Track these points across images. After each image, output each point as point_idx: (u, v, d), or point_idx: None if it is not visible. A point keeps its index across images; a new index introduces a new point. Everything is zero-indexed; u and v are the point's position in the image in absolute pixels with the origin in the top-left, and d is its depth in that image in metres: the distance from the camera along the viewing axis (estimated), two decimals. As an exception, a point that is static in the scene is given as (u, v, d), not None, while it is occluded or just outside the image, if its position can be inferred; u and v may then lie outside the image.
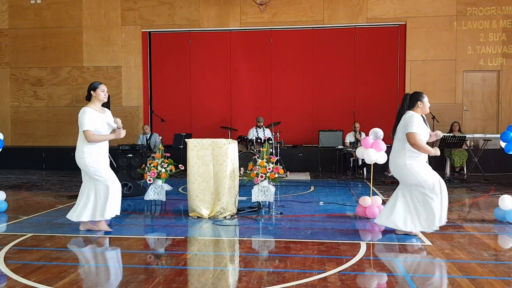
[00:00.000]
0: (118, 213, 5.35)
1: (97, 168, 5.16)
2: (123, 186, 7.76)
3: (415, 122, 4.85)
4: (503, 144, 5.97)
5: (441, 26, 11.85)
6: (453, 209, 6.78)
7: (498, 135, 6.77)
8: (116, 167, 9.52)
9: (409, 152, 4.90)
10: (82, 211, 5.24)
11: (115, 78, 12.87)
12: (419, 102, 5.02)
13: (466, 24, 11.79)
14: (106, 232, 5.26)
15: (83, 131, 5.16)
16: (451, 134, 9.62)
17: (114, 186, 5.24)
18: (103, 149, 5.30)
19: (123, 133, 5.40)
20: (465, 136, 9.48)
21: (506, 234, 5.32)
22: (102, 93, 5.33)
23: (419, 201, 4.91)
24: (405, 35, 12.02)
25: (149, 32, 12.90)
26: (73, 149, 5.47)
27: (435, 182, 4.88)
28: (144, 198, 6.46)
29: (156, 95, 13.05)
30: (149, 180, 6.39)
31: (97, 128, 5.19)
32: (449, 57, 11.88)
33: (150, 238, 5.23)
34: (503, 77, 11.77)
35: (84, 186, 5.33)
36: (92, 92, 5.34)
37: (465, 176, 10.04)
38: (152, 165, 6.39)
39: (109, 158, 5.56)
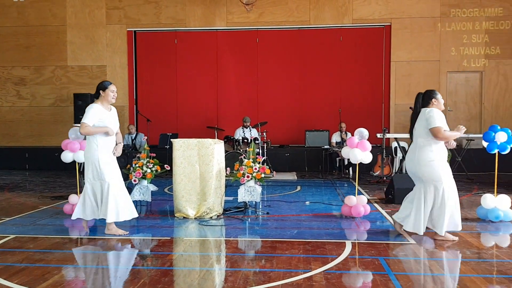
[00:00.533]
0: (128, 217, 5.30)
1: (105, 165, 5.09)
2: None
3: (437, 117, 4.81)
4: (485, 144, 6.05)
5: (425, 27, 11.99)
6: (437, 208, 6.87)
7: (481, 135, 6.88)
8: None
9: (436, 149, 4.85)
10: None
11: (100, 78, 12.73)
12: (433, 100, 4.99)
13: (450, 26, 11.95)
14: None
15: (81, 122, 5.04)
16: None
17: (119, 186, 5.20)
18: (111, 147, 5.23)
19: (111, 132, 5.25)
20: (448, 136, 9.59)
21: (488, 232, 5.41)
22: (111, 93, 5.17)
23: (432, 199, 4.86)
24: (390, 36, 12.14)
25: (135, 31, 12.81)
26: (57, 149, 5.40)
27: (446, 188, 4.81)
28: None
29: (142, 94, 12.97)
30: (134, 181, 6.36)
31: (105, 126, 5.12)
32: (433, 58, 12.02)
33: (135, 239, 5.20)
34: (486, 78, 11.95)
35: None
36: (101, 91, 5.17)
37: (449, 175, 10.17)
38: (137, 165, 6.36)
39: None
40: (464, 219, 5.99)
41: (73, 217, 5.25)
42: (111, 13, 12.71)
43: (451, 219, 4.83)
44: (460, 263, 4.13)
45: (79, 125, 5.17)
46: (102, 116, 5.09)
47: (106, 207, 5.05)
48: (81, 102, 11.60)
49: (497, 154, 5.88)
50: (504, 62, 11.86)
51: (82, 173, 5.62)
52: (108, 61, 12.77)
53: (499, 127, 5.84)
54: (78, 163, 6.01)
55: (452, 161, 10.34)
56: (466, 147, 10.12)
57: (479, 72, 12.02)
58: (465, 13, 11.89)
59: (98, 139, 5.07)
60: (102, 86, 5.19)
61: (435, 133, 4.79)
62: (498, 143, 5.84)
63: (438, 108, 4.97)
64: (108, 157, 5.12)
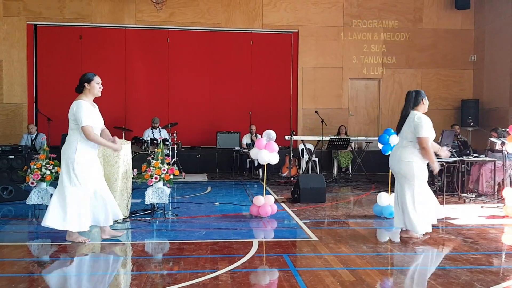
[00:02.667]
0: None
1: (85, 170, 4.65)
2: (2, 190, 7.18)
3: (426, 126, 4.94)
4: (380, 146, 6.53)
5: (330, 35, 12.65)
6: (339, 206, 7.28)
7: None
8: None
9: (418, 151, 4.98)
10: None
11: (-5, 73, 11.79)
12: (423, 100, 5.15)
13: (352, 35, 12.72)
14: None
15: (82, 127, 4.62)
16: (338, 137, 10.30)
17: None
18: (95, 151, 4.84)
19: (119, 147, 4.96)
20: (349, 139, 10.20)
21: (383, 228, 5.84)
22: (97, 85, 4.79)
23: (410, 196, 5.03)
24: (298, 42, 12.63)
25: (35, 24, 12.01)
26: None
27: (417, 189, 5.00)
28: (27, 202, 6.00)
29: (43, 92, 12.18)
30: (32, 183, 5.96)
31: (93, 124, 4.69)
32: (336, 65, 12.71)
33: (33, 244, 4.88)
34: (383, 85, 12.88)
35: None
36: (86, 84, 4.76)
37: (350, 175, 10.82)
38: (35, 167, 5.97)
39: None
40: (362, 216, 6.44)
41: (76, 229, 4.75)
42: (8, 5, 11.80)
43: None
44: (357, 257, 4.41)
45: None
46: (91, 113, 4.72)
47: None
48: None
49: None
50: (399, 71, 12.88)
51: None
52: (5, 56, 11.84)
53: (392, 131, 6.29)
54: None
55: (353, 162, 11.04)
56: (366, 149, 10.82)
57: (377, 80, 12.93)
58: (365, 24, 12.74)
59: (79, 140, 4.68)
60: (87, 78, 4.79)
61: (420, 142, 4.93)
62: (392, 145, 6.31)
63: (424, 110, 5.17)
64: (87, 160, 4.72)
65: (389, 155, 6.27)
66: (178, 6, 12.23)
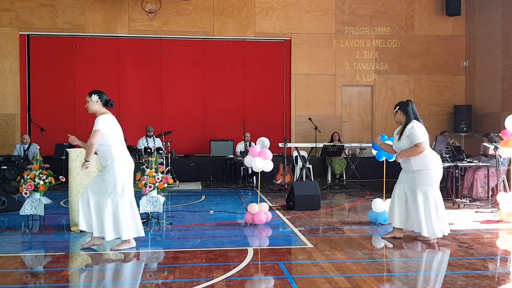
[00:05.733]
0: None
1: None
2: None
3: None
4: (374, 152, 6.54)
5: (322, 43, 12.72)
6: (333, 213, 7.28)
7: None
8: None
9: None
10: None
11: (-13, 83, 11.73)
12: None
13: (344, 42, 12.80)
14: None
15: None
16: (331, 144, 10.31)
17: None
18: None
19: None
20: (343, 146, 10.23)
21: (378, 234, 5.83)
22: None
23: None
24: (290, 49, 12.69)
25: (28, 35, 11.99)
26: None
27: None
28: (20, 213, 5.95)
29: (36, 102, 12.13)
30: (25, 194, 5.91)
31: None
32: (329, 72, 12.77)
33: (26, 255, 4.84)
34: (376, 92, 12.95)
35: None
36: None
37: (345, 182, 10.83)
38: (28, 177, 5.92)
39: None
40: (358, 223, 6.43)
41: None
42: (1, 15, 11.78)
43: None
44: (353, 264, 4.41)
45: None
46: None
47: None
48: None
49: (385, 162, 6.37)
50: (392, 78, 12.96)
51: None
52: (-3, 66, 11.80)
53: (386, 137, 6.32)
54: None
55: (347, 169, 11.05)
56: (359, 155, 10.85)
57: (370, 86, 12.99)
58: (358, 31, 12.83)
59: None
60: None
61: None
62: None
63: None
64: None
65: (383, 161, 6.34)
66: (171, 15, 12.26)
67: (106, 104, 5.09)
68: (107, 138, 4.78)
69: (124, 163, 4.88)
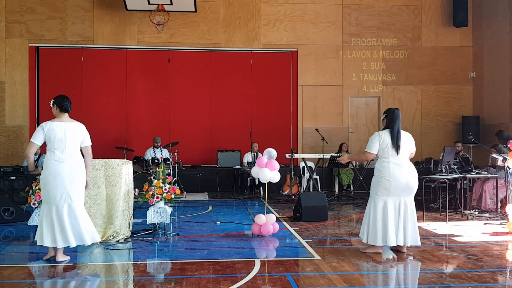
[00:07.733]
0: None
1: None
2: (4, 211, 7.17)
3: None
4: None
5: (329, 54, 12.77)
6: (341, 224, 7.25)
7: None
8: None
9: None
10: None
11: (-3, 94, 11.88)
12: None
13: (351, 53, 12.84)
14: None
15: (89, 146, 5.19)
16: (339, 154, 10.29)
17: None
18: None
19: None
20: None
21: (385, 246, 5.78)
22: None
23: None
24: (297, 61, 12.74)
25: (37, 46, 12.15)
26: None
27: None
28: (28, 223, 5.98)
29: (45, 113, 12.22)
30: (34, 204, 5.94)
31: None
32: (336, 83, 12.79)
33: (34, 266, 4.85)
34: (383, 102, 12.94)
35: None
36: None
37: (352, 193, 10.78)
38: (37, 187, 5.96)
39: None
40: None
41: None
42: (11, 27, 11.96)
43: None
44: (360, 276, 4.38)
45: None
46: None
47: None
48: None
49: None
50: (399, 88, 12.95)
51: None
52: (7, 77, 11.94)
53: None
54: None
55: (354, 180, 11.02)
56: (367, 166, 10.81)
57: (377, 97, 12.99)
58: (364, 42, 12.86)
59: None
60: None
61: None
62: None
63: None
64: None
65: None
66: (178, 27, 12.38)
67: (61, 109, 5.30)
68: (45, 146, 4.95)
69: (49, 170, 4.87)
